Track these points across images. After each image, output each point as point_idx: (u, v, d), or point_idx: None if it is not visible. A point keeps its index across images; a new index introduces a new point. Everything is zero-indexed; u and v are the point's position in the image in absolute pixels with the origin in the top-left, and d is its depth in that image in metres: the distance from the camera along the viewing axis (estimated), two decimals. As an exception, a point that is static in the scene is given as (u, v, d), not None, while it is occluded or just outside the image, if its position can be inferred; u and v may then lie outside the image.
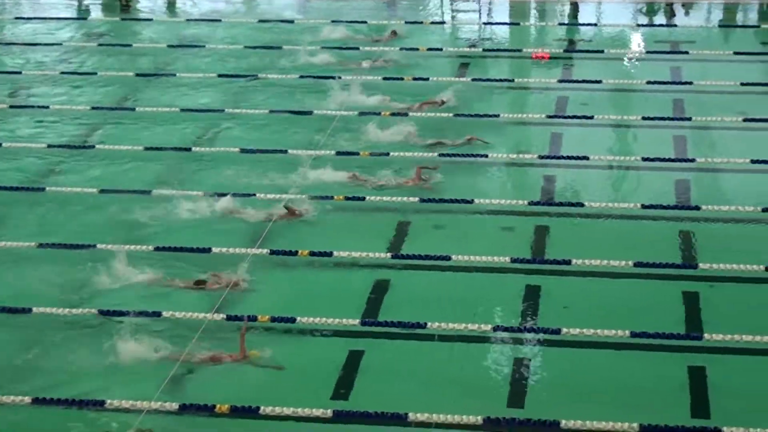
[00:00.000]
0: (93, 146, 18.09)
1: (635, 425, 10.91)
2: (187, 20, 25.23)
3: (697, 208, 15.29)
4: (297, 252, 14.41)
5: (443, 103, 18.86)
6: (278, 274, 14.04)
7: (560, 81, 20.33)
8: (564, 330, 12.57)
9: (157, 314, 12.97)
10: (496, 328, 12.72)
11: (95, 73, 21.47)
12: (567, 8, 25.41)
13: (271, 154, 17.48)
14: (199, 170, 17.14)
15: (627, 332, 12.43)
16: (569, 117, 18.61)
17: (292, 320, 12.93)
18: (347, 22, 23.94)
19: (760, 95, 19.30)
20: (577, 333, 12.52)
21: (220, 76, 21.06)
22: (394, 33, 22.99)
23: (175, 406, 11.41)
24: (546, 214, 15.45)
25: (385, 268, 14.12)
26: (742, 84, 19.63)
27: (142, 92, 20.52)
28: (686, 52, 21.57)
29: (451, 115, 18.70)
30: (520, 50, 22.24)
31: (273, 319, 12.96)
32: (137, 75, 21.30)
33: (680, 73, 20.59)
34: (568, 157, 17.01)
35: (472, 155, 17.14)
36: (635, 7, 25.25)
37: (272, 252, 14.45)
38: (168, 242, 14.74)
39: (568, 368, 12.10)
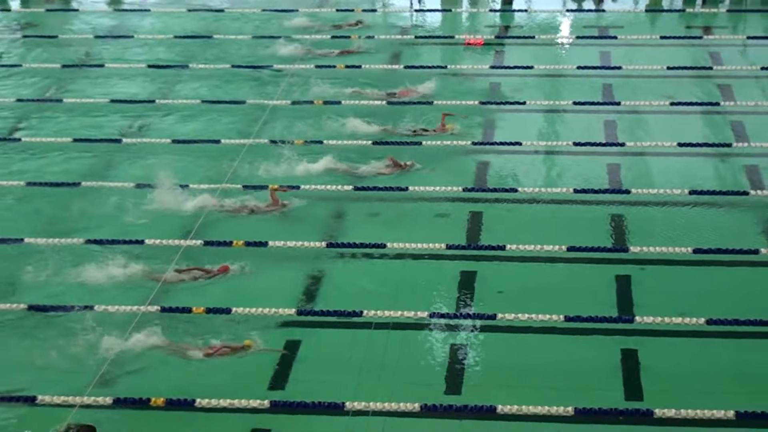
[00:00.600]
0: (19, 139, 17.75)
1: (570, 409, 11.03)
2: (115, 10, 24.81)
3: (627, 191, 15.49)
4: (231, 242, 14.30)
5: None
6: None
7: (492, 67, 20.41)
8: (499, 315, 12.66)
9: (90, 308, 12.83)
10: (432, 315, 12.77)
11: (20, 65, 21.04)
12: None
13: (204, 144, 17.33)
14: (130, 161, 16.91)
15: (561, 316, 12.56)
16: (502, 103, 18.70)
17: (228, 311, 12.85)
18: (279, 11, 23.75)
19: (685, 79, 19.57)
20: (512, 318, 12.61)
21: (149, 66, 20.78)
22: (358, 22, 22.99)
23: (109, 400, 11.28)
24: (480, 200, 15.54)
25: (321, 257, 14.10)
26: (669, 68, 19.89)
27: (69, 84, 20.16)
28: (615, 37, 21.78)
29: (384, 102, 18.69)
30: (452, 37, 22.29)
31: (208, 311, 12.86)
32: (63, 66, 20.91)
33: (609, 58, 20.78)
34: (501, 143, 17.10)
35: (407, 143, 17.14)
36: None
37: (206, 243, 14.32)
38: (98, 235, 14.55)
39: (503, 353, 12.20)
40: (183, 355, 12.04)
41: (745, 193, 15.27)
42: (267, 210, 15.11)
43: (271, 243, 14.25)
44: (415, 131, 17.33)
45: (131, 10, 24.72)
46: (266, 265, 13.83)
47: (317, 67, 20.40)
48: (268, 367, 11.93)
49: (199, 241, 14.32)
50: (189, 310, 12.84)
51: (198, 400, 11.29)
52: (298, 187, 15.68)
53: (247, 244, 14.27)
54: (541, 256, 13.98)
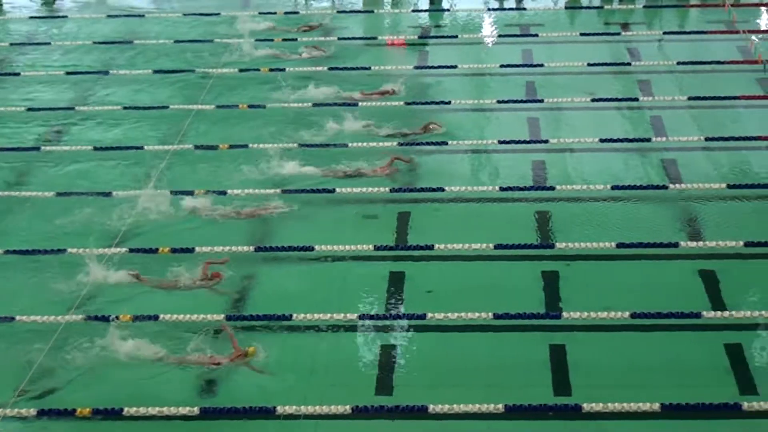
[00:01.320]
0: (-63, 150, 17.38)
1: (500, 406, 11.13)
2: (30, 17, 24.34)
3: (552, 188, 15.68)
4: (158, 249, 14.16)
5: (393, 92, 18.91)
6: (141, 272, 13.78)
7: (416, 67, 20.49)
8: (429, 315, 12.72)
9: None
10: (362, 317, 12.78)
11: (-67, 75, 20.61)
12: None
13: (126, 151, 17.13)
14: (48, 170, 16.64)
15: (490, 314, 12.66)
16: (427, 103, 18.77)
17: (155, 317, 12.72)
18: (201, 15, 23.56)
19: (605, 75, 19.88)
20: (441, 317, 12.69)
21: (68, 73, 20.45)
22: (319, 24, 22.96)
23: (33, 411, 11.11)
24: (407, 201, 15.59)
25: (250, 261, 14.03)
26: (589, 64, 20.19)
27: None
28: (536, 35, 22.05)
29: (310, 105, 18.65)
30: (375, 38, 22.32)
31: (135, 318, 12.73)
32: (-22, 75, 20.52)
33: (531, 55, 21.03)
34: (428, 143, 17.17)
35: (333, 145, 17.13)
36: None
37: (131, 250, 14.16)
38: (17, 245, 14.31)
39: (434, 353, 12.26)
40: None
41: (665, 187, 15.55)
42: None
43: (198, 249, 14.13)
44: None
45: (48, 17, 24.29)
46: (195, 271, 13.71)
47: (241, 71, 20.28)
48: (199, 374, 11.82)
49: (124, 249, 14.16)
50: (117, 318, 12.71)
51: (126, 409, 11.17)
52: (225, 192, 15.58)
53: (173, 250, 14.15)
54: (468, 254, 14.08)
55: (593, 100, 18.67)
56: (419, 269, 13.87)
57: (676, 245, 14.01)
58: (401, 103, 18.71)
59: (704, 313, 12.54)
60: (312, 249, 14.17)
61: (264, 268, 13.92)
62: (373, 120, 17.73)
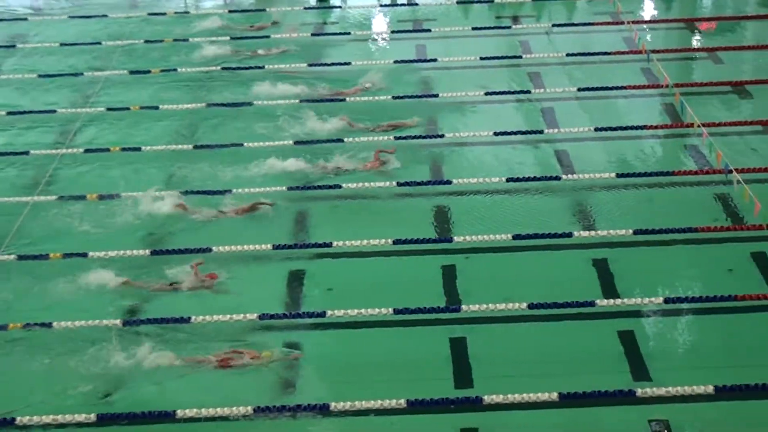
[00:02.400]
0: None
1: (402, 401, 11.23)
2: None
3: (449, 182, 15.84)
4: (48, 255, 13.88)
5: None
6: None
7: (310, 65, 20.44)
8: (329, 312, 12.75)
9: None
10: (262, 317, 12.73)
11: None
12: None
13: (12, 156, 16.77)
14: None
15: (390, 309, 12.75)
16: (321, 101, 18.75)
17: (49, 325, 12.48)
18: (90, 17, 23.14)
19: (497, 68, 20.15)
20: (342, 314, 12.72)
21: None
22: (274, 23, 22.77)
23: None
24: (305, 199, 15.56)
25: (141, 262, 13.88)
26: (482, 58, 20.44)
27: None
28: (429, 30, 22.22)
29: (204, 105, 18.46)
30: (268, 37, 22.15)
31: (26, 325, 12.51)
32: None
33: (425, 51, 21.19)
34: (325, 141, 17.15)
35: (227, 145, 17.00)
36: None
37: (19, 257, 13.86)
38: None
39: (335, 350, 12.31)
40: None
41: (557, 178, 15.86)
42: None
43: (91, 254, 13.88)
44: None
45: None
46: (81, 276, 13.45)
47: (132, 72, 19.97)
48: (95, 379, 11.65)
49: (12, 256, 13.84)
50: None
51: (18, 418, 11.00)
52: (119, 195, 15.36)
53: (65, 255, 13.88)
54: (367, 251, 14.15)
55: (486, 94, 18.92)
56: (319, 267, 13.88)
57: (570, 235, 14.30)
58: (297, 101, 18.65)
59: (598, 301, 12.83)
60: (210, 250, 14.05)
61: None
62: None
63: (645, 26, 22.36)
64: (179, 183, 15.86)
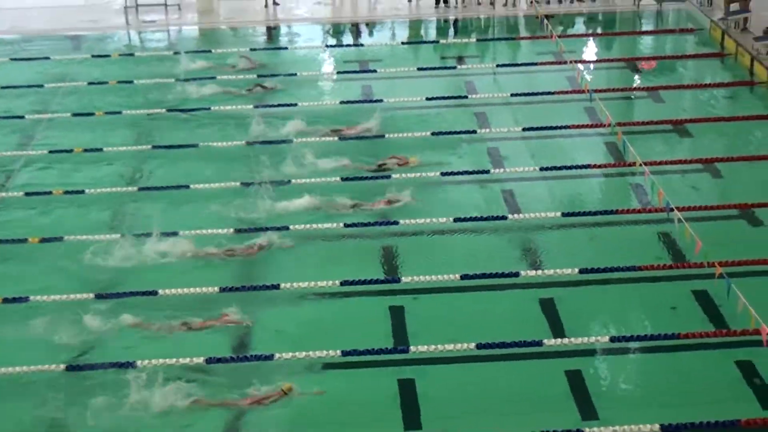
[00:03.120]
0: None
1: (353, 443, 11.22)
2: None
3: (396, 222, 15.91)
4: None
5: None
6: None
7: (256, 107, 20.45)
8: (277, 355, 12.70)
9: None
10: (209, 360, 12.66)
11: None
12: (263, 33, 25.78)
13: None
14: None
15: (338, 352, 12.74)
16: (269, 142, 18.75)
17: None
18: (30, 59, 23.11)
19: (444, 108, 20.33)
20: (290, 357, 12.69)
21: None
22: (249, 60, 22.98)
23: None
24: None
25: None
26: (428, 99, 20.64)
27: None
28: (374, 71, 22.39)
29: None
30: (213, 78, 22.12)
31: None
32: None
33: (371, 91, 21.33)
34: (273, 182, 17.12)
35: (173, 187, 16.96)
36: (323, 28, 25.96)
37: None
38: None
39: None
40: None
41: (504, 218, 16.00)
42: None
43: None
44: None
45: None
46: None
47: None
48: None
49: None
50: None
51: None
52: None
53: (5, 300, 13.69)
54: (315, 292, 14.14)
55: (433, 134, 19.07)
56: (267, 310, 13.84)
57: (517, 275, 14.42)
58: (242, 142, 18.68)
59: (545, 340, 12.94)
60: (155, 293, 13.97)
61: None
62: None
63: (587, 66, 22.81)
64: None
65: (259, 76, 22.15)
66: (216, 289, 14.14)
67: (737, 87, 21.09)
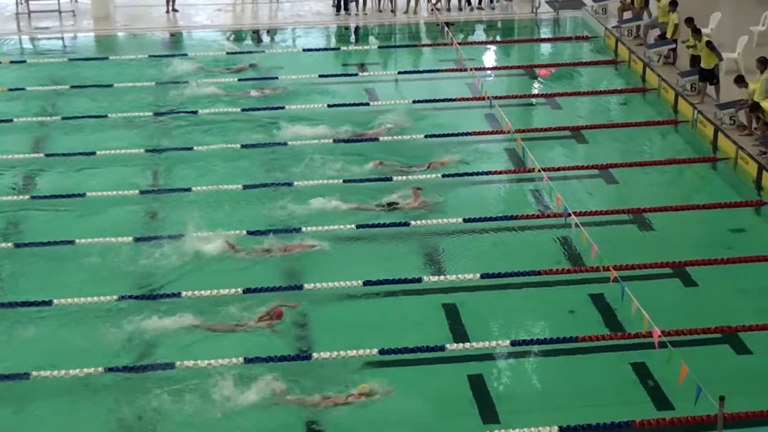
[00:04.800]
0: None
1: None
2: None
3: (299, 230, 15.88)
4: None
5: None
6: None
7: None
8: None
9: None
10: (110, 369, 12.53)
11: None
12: (162, 40, 25.51)
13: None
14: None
15: (241, 359, 12.75)
16: (166, 150, 18.56)
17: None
18: None
19: (345, 115, 20.28)
20: (191, 364, 12.66)
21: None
22: (251, 65, 22.89)
23: None
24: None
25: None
26: (329, 106, 20.69)
27: None
28: (276, 78, 22.34)
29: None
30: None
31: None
32: None
33: (273, 98, 21.24)
34: (171, 190, 16.95)
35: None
36: (223, 35, 25.81)
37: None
38: None
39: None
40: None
41: (407, 224, 16.13)
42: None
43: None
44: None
45: None
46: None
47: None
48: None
49: None
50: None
51: None
52: None
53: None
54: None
55: (335, 141, 19.11)
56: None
57: (419, 280, 14.56)
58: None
59: (447, 345, 13.09)
60: (49, 303, 13.74)
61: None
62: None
63: (487, 73, 23.15)
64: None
65: (157, 83, 21.94)
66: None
67: (630, 93, 21.65)
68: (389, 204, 16.58)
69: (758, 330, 13.15)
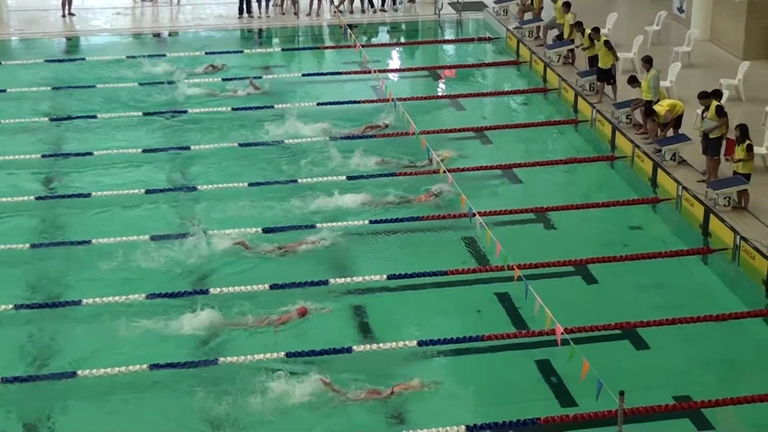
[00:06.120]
0: None
1: None
2: None
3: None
4: None
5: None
6: None
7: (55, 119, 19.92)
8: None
9: None
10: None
11: None
12: (59, 45, 25.02)
13: None
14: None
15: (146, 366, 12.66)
16: (66, 155, 18.25)
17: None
18: None
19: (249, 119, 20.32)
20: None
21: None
22: (213, 67, 22.69)
23: None
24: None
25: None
26: (234, 109, 20.64)
27: None
28: (173, 83, 22.04)
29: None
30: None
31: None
32: None
33: (175, 101, 21.03)
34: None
35: None
36: (122, 39, 25.42)
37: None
38: None
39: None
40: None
41: (312, 226, 16.07)
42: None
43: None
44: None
45: None
46: None
47: None
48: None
49: None
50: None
51: None
52: None
53: None
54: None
55: (241, 145, 19.04)
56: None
57: (326, 283, 14.58)
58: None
59: (355, 347, 13.17)
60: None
61: None
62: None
63: (391, 74, 23.28)
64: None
65: (53, 88, 21.55)
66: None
67: (532, 93, 22.02)
68: None
69: (656, 326, 13.49)
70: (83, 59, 23.41)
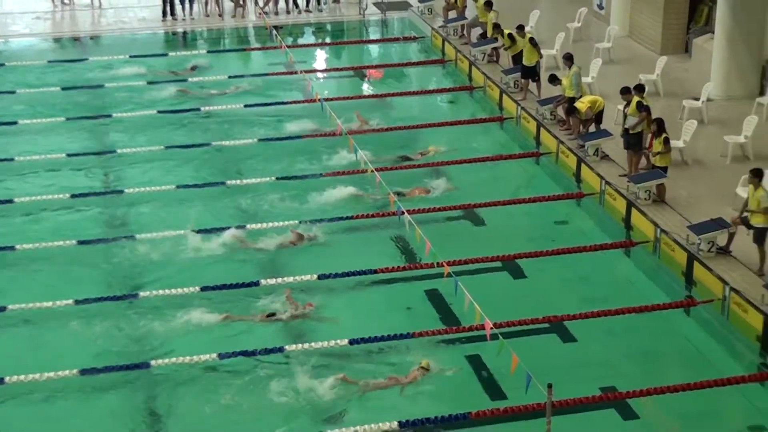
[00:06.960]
0: None
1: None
2: None
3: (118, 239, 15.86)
4: None
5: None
6: None
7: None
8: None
9: None
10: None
11: None
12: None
13: None
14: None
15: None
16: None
17: None
18: None
19: (177, 121, 20.19)
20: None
21: None
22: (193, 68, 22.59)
23: None
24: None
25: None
26: (159, 112, 20.58)
27: None
28: (102, 86, 21.89)
29: None
30: None
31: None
32: None
33: (103, 104, 20.88)
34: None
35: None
36: (43, 43, 25.14)
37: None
38: None
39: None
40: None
41: (243, 227, 16.10)
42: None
43: None
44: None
45: None
46: None
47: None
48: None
49: None
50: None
51: None
52: None
53: None
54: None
55: (167, 148, 18.95)
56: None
57: (257, 284, 14.61)
58: None
59: (287, 347, 13.24)
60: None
61: None
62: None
63: (318, 75, 23.32)
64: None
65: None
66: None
67: (458, 92, 22.25)
68: None
69: (582, 318, 13.76)
70: (2, 65, 23.02)
